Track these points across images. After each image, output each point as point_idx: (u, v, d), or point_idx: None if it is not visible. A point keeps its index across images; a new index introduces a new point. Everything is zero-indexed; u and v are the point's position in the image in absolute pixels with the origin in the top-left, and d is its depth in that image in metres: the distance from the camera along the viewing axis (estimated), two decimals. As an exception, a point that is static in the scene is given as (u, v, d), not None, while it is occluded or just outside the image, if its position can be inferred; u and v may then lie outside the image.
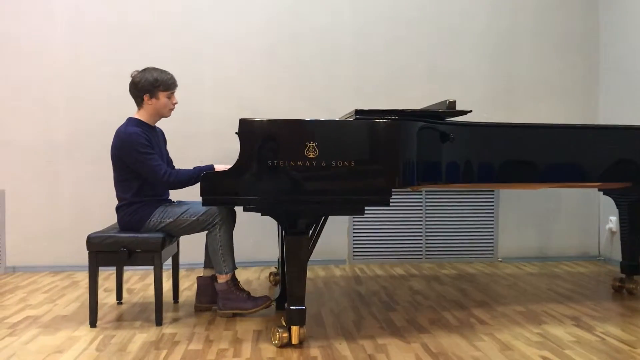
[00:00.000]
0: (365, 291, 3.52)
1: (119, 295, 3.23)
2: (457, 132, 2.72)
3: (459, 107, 2.77)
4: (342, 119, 3.06)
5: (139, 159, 2.80)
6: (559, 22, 4.53)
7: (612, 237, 4.41)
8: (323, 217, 2.60)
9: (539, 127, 3.11)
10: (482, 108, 4.31)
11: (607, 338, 2.61)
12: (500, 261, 4.50)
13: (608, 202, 3.99)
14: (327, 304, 3.21)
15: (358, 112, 2.53)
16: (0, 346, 2.51)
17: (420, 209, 4.45)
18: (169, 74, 2.94)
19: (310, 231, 2.54)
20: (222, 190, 2.46)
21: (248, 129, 2.45)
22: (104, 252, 2.79)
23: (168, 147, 3.20)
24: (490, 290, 3.54)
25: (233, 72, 4.27)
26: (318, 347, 2.49)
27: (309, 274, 3.94)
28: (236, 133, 2.46)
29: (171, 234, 2.92)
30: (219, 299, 2.90)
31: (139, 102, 2.94)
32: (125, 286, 3.58)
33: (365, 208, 2.52)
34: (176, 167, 3.18)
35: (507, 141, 2.98)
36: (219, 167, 2.79)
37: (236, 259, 2.95)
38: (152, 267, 2.80)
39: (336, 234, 4.37)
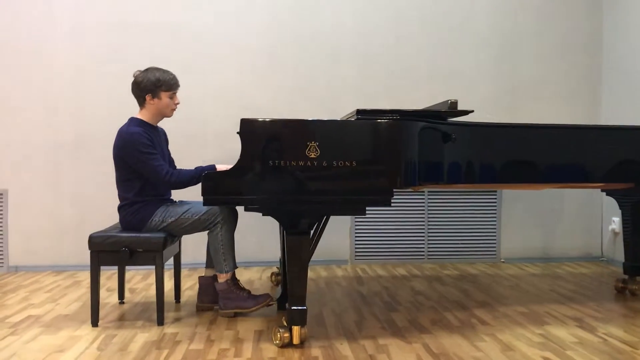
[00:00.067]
0: (366, 291, 3.52)
1: (121, 295, 3.24)
2: (459, 132, 2.72)
3: (461, 107, 2.77)
4: (344, 119, 3.06)
5: (140, 159, 2.80)
6: (562, 23, 4.52)
7: (615, 238, 4.39)
8: (324, 217, 2.60)
9: (541, 127, 3.10)
10: (485, 108, 4.31)
11: (609, 339, 2.60)
12: (503, 262, 4.49)
13: (611, 203, 3.97)
14: (329, 304, 3.21)
15: (359, 112, 2.53)
16: (2, 345, 2.52)
17: (423, 210, 4.44)
18: (171, 74, 2.95)
19: (312, 231, 2.54)
20: (224, 190, 2.46)
21: (249, 129, 2.45)
22: (106, 251, 2.79)
23: (170, 147, 3.20)
24: (492, 291, 3.54)
25: (234, 72, 4.27)
26: (319, 347, 2.49)
27: (310, 274, 3.95)
28: (237, 133, 2.46)
29: (173, 234, 2.92)
30: (219, 299, 2.91)
31: (141, 102, 2.94)
32: (127, 286, 3.59)
33: (367, 208, 2.51)
34: (178, 167, 3.19)
35: (509, 141, 2.98)
36: (220, 167, 2.80)
37: (238, 259, 2.96)
38: (154, 267, 2.81)
39: (338, 234, 4.36)
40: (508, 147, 2.97)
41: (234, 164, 2.46)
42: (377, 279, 3.89)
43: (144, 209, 2.88)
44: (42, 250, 4.17)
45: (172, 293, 3.33)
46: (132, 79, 2.93)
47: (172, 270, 3.32)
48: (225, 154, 4.11)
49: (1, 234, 4.16)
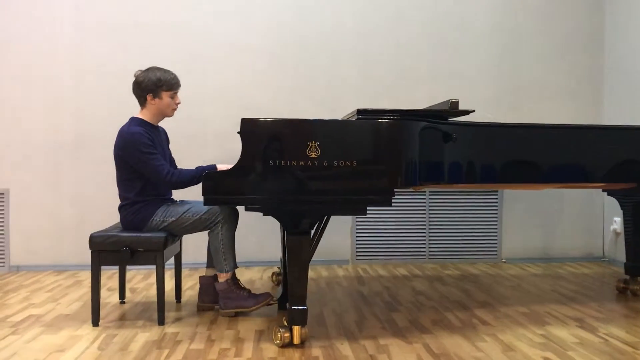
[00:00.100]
0: (367, 291, 3.52)
1: (122, 295, 3.24)
2: (460, 132, 2.72)
3: (462, 107, 2.76)
4: (345, 118, 3.05)
5: (141, 159, 2.80)
6: (563, 22, 4.52)
7: (617, 238, 4.39)
8: (325, 217, 2.60)
9: (542, 127, 3.10)
10: (485, 108, 4.30)
11: (610, 339, 2.59)
12: (504, 262, 4.49)
13: (612, 203, 3.97)
14: (330, 304, 3.21)
15: (360, 111, 2.52)
16: (3, 345, 2.52)
17: (424, 210, 4.44)
18: (172, 73, 2.95)
19: (312, 231, 2.54)
20: (224, 189, 2.46)
21: (250, 129, 2.44)
22: (107, 251, 2.79)
23: (171, 146, 3.20)
24: (493, 291, 3.53)
25: (235, 72, 4.27)
26: (319, 347, 2.49)
27: (311, 273, 3.95)
28: (238, 133, 2.46)
29: (173, 233, 2.92)
30: (220, 299, 2.90)
31: (142, 102, 2.94)
32: (128, 285, 3.59)
33: (368, 208, 2.51)
34: (179, 166, 3.19)
35: (510, 141, 2.98)
36: (221, 167, 2.79)
37: (239, 259, 2.96)
38: (154, 267, 2.81)
39: (339, 234, 4.36)
40: (509, 147, 2.96)
41: (234, 164, 2.46)
42: (378, 278, 3.89)
43: (144, 209, 2.88)
44: (43, 250, 4.17)
45: (173, 293, 3.32)
46: (133, 78, 2.93)
47: (173, 270, 3.32)
48: (225, 154, 4.11)
49: (2, 234, 4.16)
